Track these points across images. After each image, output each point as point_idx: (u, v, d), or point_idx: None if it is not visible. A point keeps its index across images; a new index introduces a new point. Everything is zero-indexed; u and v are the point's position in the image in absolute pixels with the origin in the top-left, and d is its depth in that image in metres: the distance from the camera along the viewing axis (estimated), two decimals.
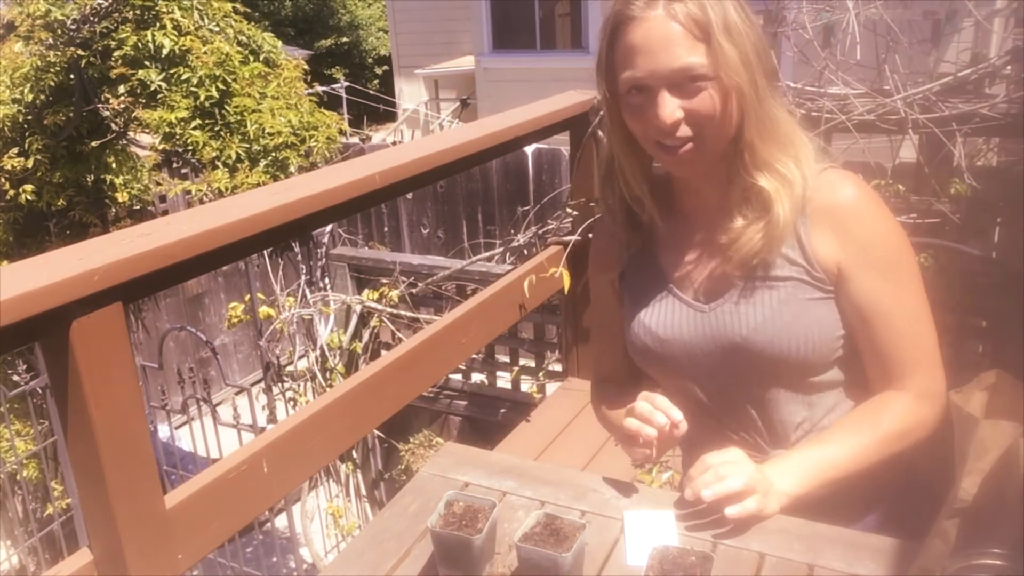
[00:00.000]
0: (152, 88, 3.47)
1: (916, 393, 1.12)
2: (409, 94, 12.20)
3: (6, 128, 3.82)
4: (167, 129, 3.44)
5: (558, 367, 3.02)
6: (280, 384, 3.48)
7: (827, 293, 1.12)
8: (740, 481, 1.01)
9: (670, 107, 1.05)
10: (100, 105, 3.69)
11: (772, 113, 1.09)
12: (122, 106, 3.59)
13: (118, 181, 4.21)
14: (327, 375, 3.27)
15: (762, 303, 1.12)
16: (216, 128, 3.48)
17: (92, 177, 4.11)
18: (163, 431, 4.52)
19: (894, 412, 1.11)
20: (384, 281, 3.25)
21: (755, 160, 1.10)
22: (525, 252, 2.89)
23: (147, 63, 3.51)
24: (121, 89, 3.54)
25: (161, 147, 3.61)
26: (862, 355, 1.14)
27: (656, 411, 1.06)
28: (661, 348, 1.20)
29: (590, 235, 2.27)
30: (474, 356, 3.21)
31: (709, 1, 1.04)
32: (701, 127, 1.06)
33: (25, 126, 3.85)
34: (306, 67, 4.02)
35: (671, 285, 1.21)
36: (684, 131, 1.06)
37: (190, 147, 3.45)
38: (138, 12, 3.55)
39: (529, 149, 5.10)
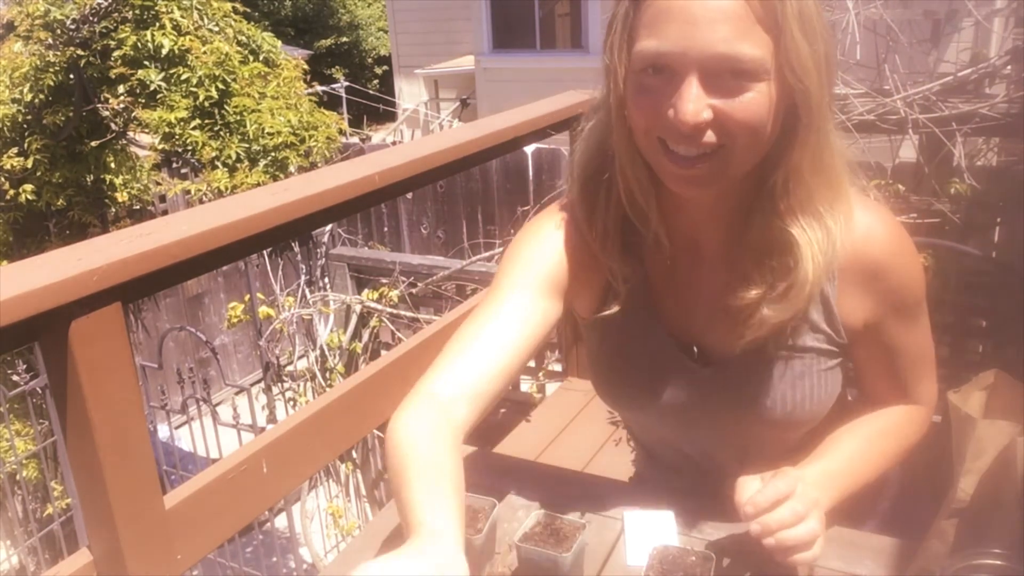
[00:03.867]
0: (151, 88, 3.47)
1: (926, 402, 1.06)
2: (409, 94, 12.20)
3: (6, 128, 3.82)
4: (167, 129, 3.44)
5: (558, 367, 3.01)
6: (280, 384, 3.47)
7: (842, 355, 0.99)
8: (818, 522, 0.84)
9: (698, 103, 0.78)
10: (100, 105, 3.69)
11: (830, 138, 0.86)
12: (121, 106, 3.59)
13: (117, 181, 4.21)
14: (327, 375, 3.27)
15: (775, 375, 0.96)
16: (216, 128, 3.48)
17: (91, 177, 4.11)
18: (163, 431, 4.52)
19: (915, 424, 1.05)
20: (384, 281, 3.24)
21: (792, 199, 0.86)
22: None
23: (147, 63, 3.51)
24: (120, 89, 3.54)
25: (160, 147, 3.61)
26: (874, 378, 1.04)
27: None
28: (643, 400, 1.04)
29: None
30: None
31: None
32: (733, 137, 0.81)
33: (25, 126, 3.85)
34: (306, 67, 4.02)
35: (662, 331, 1.00)
36: (709, 138, 0.81)
37: (190, 147, 3.45)
38: (137, 12, 3.55)
39: (529, 149, 5.10)
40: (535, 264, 0.98)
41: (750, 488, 0.86)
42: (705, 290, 0.98)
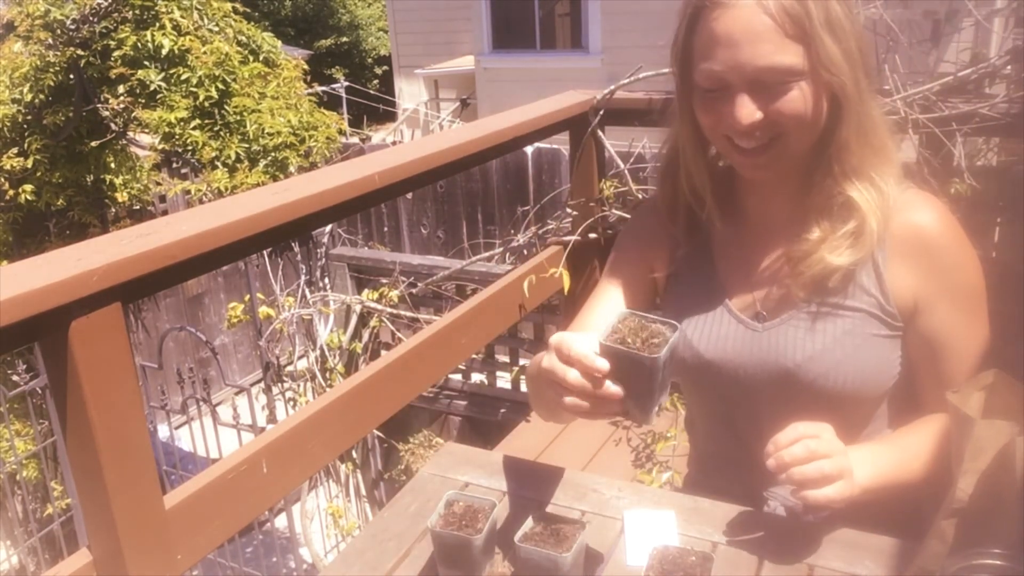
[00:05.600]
0: (151, 88, 3.47)
1: None
2: (409, 94, 12.20)
3: (6, 128, 3.83)
4: (167, 129, 3.44)
5: None
6: (280, 384, 3.47)
7: (894, 331, 1.04)
8: (832, 465, 0.90)
9: (748, 108, 0.96)
10: (100, 105, 3.69)
11: (871, 115, 1.01)
12: (121, 106, 3.59)
13: (117, 181, 4.22)
14: (327, 375, 3.27)
15: (823, 331, 1.03)
16: (216, 128, 3.48)
17: (91, 177, 4.11)
18: (163, 431, 4.52)
19: None
20: (384, 281, 3.24)
21: (846, 166, 1.00)
22: (525, 252, 2.89)
23: (147, 63, 3.51)
24: (120, 89, 3.54)
25: (161, 147, 3.62)
26: (920, 380, 1.07)
27: (576, 358, 0.84)
28: (701, 365, 1.10)
29: (591, 235, 2.28)
30: (474, 356, 3.21)
31: None
32: (784, 128, 0.97)
33: (25, 126, 3.86)
34: (306, 67, 4.02)
35: (724, 297, 1.11)
36: (764, 132, 0.98)
37: (190, 147, 3.46)
38: (137, 12, 3.56)
39: (529, 149, 5.10)
40: (632, 230, 1.26)
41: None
42: (768, 258, 1.10)
